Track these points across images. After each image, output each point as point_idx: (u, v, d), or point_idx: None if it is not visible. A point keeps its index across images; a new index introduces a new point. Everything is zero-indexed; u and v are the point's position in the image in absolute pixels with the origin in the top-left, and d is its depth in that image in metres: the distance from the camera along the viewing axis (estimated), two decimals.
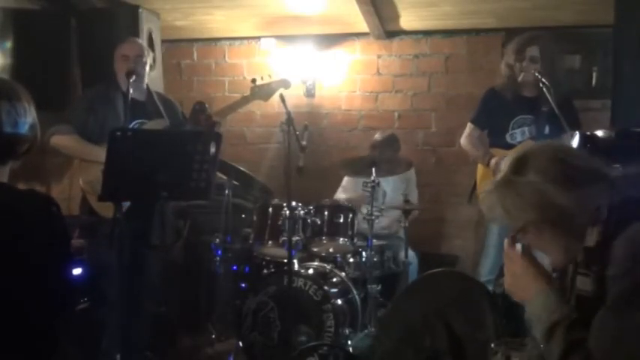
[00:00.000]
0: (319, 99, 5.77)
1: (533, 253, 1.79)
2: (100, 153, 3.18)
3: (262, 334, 3.92)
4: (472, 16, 5.15)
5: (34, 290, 1.90)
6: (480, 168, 4.17)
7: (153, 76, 4.24)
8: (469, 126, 4.21)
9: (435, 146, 5.54)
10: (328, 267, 4.18)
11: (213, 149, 3.10)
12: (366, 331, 4.02)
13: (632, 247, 1.54)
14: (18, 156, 1.96)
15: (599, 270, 1.60)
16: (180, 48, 5.99)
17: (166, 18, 5.08)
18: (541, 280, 1.71)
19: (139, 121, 3.63)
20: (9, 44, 4.45)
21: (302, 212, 4.07)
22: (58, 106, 3.99)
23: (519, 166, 1.69)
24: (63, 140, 3.58)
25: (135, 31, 4.25)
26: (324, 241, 4.19)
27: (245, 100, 3.83)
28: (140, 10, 4.39)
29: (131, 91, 3.48)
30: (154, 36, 4.51)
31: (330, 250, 4.30)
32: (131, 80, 3.51)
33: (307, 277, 3.96)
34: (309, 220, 4.11)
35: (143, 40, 4.17)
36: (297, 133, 3.75)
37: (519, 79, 3.96)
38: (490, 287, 3.92)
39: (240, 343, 3.99)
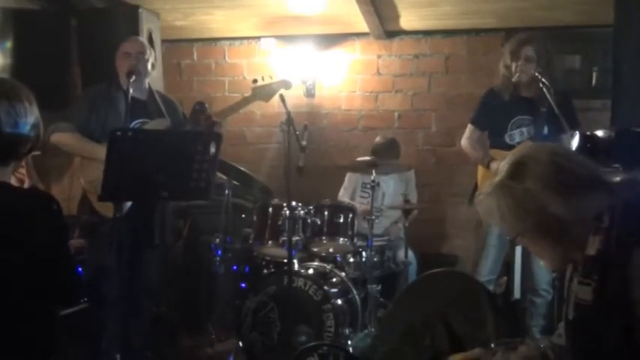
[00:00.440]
0: (319, 99, 5.77)
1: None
2: (101, 151, 3.18)
3: (262, 334, 3.92)
4: (472, 16, 5.15)
5: (34, 289, 1.90)
6: (481, 169, 4.17)
7: (153, 76, 4.23)
8: (469, 127, 4.21)
9: (435, 146, 5.54)
10: (328, 267, 4.18)
11: (213, 149, 3.10)
12: (366, 331, 4.02)
13: None
14: (20, 156, 1.97)
15: (600, 279, 1.58)
16: (180, 48, 5.99)
17: (166, 18, 5.08)
18: None
19: (140, 120, 3.62)
20: (9, 44, 4.45)
21: (302, 212, 4.07)
22: (58, 105, 3.98)
23: (517, 171, 1.67)
24: (64, 138, 3.58)
25: (135, 31, 4.25)
26: (324, 241, 4.19)
27: (246, 101, 3.83)
28: (140, 10, 4.39)
29: (131, 90, 3.48)
30: (153, 36, 4.51)
31: (330, 250, 4.30)
32: (131, 80, 3.51)
33: (307, 277, 3.96)
34: (309, 220, 4.11)
35: (144, 39, 4.17)
36: (297, 133, 3.75)
37: (514, 78, 3.96)
38: (490, 287, 3.93)
39: (240, 343, 3.99)
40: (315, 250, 4.26)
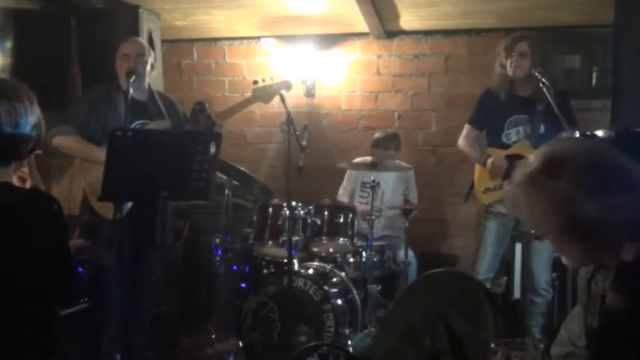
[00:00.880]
0: (319, 99, 5.77)
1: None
2: (101, 154, 3.17)
3: (262, 334, 3.92)
4: (472, 16, 5.15)
5: (35, 289, 1.90)
6: (477, 168, 4.18)
7: (153, 76, 4.23)
8: (466, 127, 4.23)
9: (435, 146, 5.54)
10: (328, 267, 4.18)
11: (213, 149, 3.10)
12: (366, 331, 4.02)
13: None
14: (22, 156, 1.97)
15: (634, 288, 1.51)
16: (180, 48, 5.99)
17: (166, 18, 5.08)
18: None
19: (141, 121, 3.62)
20: (9, 44, 4.45)
21: (302, 212, 4.07)
22: (58, 106, 3.98)
23: (552, 167, 1.55)
24: (64, 141, 3.58)
25: (135, 31, 4.25)
26: (324, 241, 4.19)
27: (246, 103, 3.84)
28: (140, 10, 4.39)
29: (131, 90, 3.48)
30: (153, 36, 4.51)
31: (330, 250, 4.30)
32: (131, 80, 3.51)
33: (307, 277, 3.96)
34: (309, 220, 4.11)
35: (143, 40, 4.17)
36: (297, 133, 3.75)
37: (510, 73, 3.97)
38: (488, 285, 3.93)
39: (240, 343, 3.99)
40: (315, 250, 4.26)
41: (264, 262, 4.38)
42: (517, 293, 4.32)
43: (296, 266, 3.98)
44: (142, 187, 3.02)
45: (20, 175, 2.07)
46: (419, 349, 2.78)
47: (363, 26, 5.38)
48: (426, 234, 5.24)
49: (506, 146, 4.06)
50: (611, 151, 1.61)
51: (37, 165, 3.23)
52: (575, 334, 1.82)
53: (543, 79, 3.83)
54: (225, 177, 4.26)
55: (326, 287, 3.92)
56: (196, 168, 3.08)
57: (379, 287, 4.18)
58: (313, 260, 4.27)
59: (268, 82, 3.73)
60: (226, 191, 4.24)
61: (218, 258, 4.23)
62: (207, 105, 3.66)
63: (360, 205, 4.68)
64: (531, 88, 3.99)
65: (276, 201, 4.19)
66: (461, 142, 4.24)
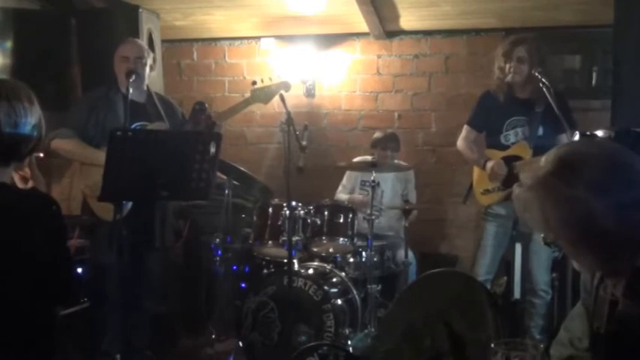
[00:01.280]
0: (319, 99, 5.77)
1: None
2: (100, 157, 3.18)
3: (262, 334, 3.92)
4: (472, 16, 5.15)
5: (34, 289, 1.90)
6: (476, 169, 4.18)
7: (153, 77, 4.23)
8: (465, 128, 4.23)
9: (435, 146, 5.54)
10: (328, 267, 4.18)
11: (213, 149, 3.10)
12: (366, 331, 4.02)
13: None
14: (21, 157, 1.96)
15: None
16: (180, 48, 5.99)
17: (166, 18, 5.08)
18: None
19: (140, 123, 3.62)
20: (9, 44, 4.44)
21: (302, 212, 4.08)
22: (58, 106, 3.99)
23: (569, 173, 1.48)
24: (64, 144, 3.58)
25: (135, 31, 4.25)
26: (324, 241, 4.19)
27: (245, 103, 3.84)
28: (140, 10, 4.39)
29: (131, 91, 3.48)
30: (153, 36, 4.51)
31: (330, 250, 4.30)
32: (131, 80, 3.50)
33: (307, 277, 3.96)
34: (309, 220, 4.11)
35: (143, 41, 4.17)
36: (297, 133, 3.75)
37: (508, 79, 3.98)
38: (487, 286, 3.92)
39: (240, 343, 3.99)
40: (315, 250, 4.26)
41: (264, 262, 4.38)
42: (517, 293, 4.32)
43: (296, 266, 3.98)
44: (142, 187, 3.02)
45: (22, 175, 2.07)
46: (419, 349, 2.78)
47: (363, 26, 5.39)
48: (425, 234, 5.25)
49: (505, 147, 4.06)
50: (626, 153, 1.54)
51: (37, 165, 3.22)
52: (575, 335, 1.81)
53: (543, 80, 3.83)
54: (225, 177, 4.26)
55: (326, 287, 3.92)
56: (196, 168, 3.08)
57: (379, 287, 4.18)
58: (313, 260, 4.27)
59: (267, 82, 3.73)
60: (226, 191, 4.25)
61: (218, 258, 4.24)
62: (207, 105, 3.66)
63: (359, 196, 4.68)
64: (530, 90, 4.00)
65: (276, 201, 4.19)
66: (460, 143, 4.24)
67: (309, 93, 5.75)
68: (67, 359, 3.53)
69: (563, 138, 3.83)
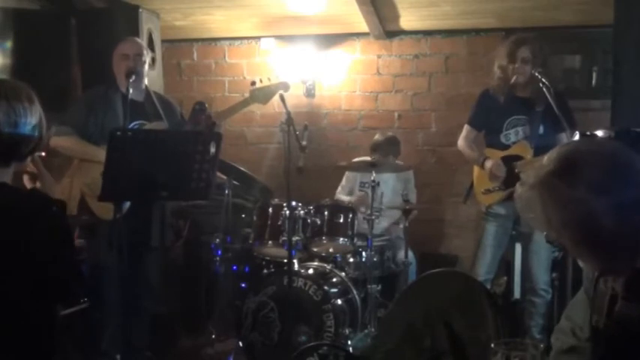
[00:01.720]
0: (319, 99, 5.77)
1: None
2: (100, 153, 3.18)
3: (262, 334, 3.92)
4: (472, 16, 5.15)
5: (34, 289, 1.90)
6: (476, 169, 4.18)
7: (153, 76, 4.24)
8: (465, 128, 4.23)
9: (435, 146, 5.54)
10: (328, 267, 4.18)
11: (213, 149, 3.10)
12: (366, 331, 4.02)
13: None
14: (22, 157, 1.96)
15: None
16: (180, 48, 5.99)
17: (166, 18, 5.08)
18: None
19: (138, 122, 3.62)
20: (9, 44, 4.44)
21: (302, 212, 4.07)
22: (58, 106, 3.98)
23: (569, 173, 1.47)
24: (63, 141, 3.58)
25: (135, 31, 4.25)
26: (324, 241, 4.19)
27: (244, 103, 3.84)
28: (140, 10, 4.39)
29: (131, 91, 3.48)
30: (153, 36, 4.51)
31: (330, 250, 4.30)
32: (131, 80, 3.51)
33: (307, 277, 3.96)
34: (309, 220, 4.11)
35: (143, 40, 4.17)
36: (297, 133, 3.75)
37: (512, 80, 3.98)
38: (487, 286, 3.92)
39: (240, 343, 3.99)
40: (315, 250, 4.26)
41: (264, 262, 4.38)
42: (517, 293, 4.32)
43: (296, 266, 3.98)
44: (142, 187, 3.02)
45: (31, 173, 2.07)
46: (419, 349, 2.78)
47: (363, 26, 5.38)
48: (425, 234, 5.25)
49: (505, 147, 4.06)
50: (627, 153, 1.53)
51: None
52: (577, 323, 1.80)
53: (543, 80, 3.83)
54: (225, 177, 4.26)
55: (326, 287, 3.92)
56: (196, 168, 3.08)
57: (379, 287, 4.18)
58: (313, 260, 4.27)
59: (266, 82, 3.73)
60: (226, 191, 4.25)
61: (218, 258, 4.24)
62: (207, 105, 3.66)
63: (359, 195, 4.68)
64: (530, 89, 4.00)
65: (276, 201, 4.19)
66: (460, 142, 4.24)
67: (309, 93, 5.74)
68: (67, 359, 3.53)
69: (563, 137, 3.83)
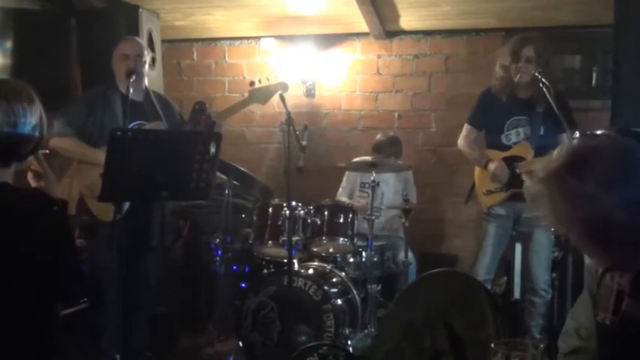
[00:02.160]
0: (319, 99, 5.77)
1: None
2: (99, 155, 3.18)
3: (262, 334, 3.92)
4: (472, 16, 5.15)
5: (34, 289, 1.90)
6: (478, 169, 4.18)
7: (153, 76, 4.24)
8: (466, 127, 4.22)
9: (435, 146, 5.54)
10: (328, 267, 4.18)
11: (213, 149, 3.10)
12: (366, 331, 4.02)
13: None
14: (22, 157, 1.96)
15: None
16: (180, 48, 5.99)
17: (166, 18, 5.08)
18: None
19: (138, 122, 3.61)
20: (9, 44, 4.44)
21: (302, 212, 4.07)
22: (58, 106, 3.98)
23: (579, 167, 1.46)
24: (62, 143, 3.57)
25: (135, 31, 4.25)
26: (324, 241, 4.19)
27: (243, 104, 3.84)
28: (140, 10, 4.39)
29: (131, 91, 3.48)
30: (153, 36, 4.51)
31: (330, 250, 4.30)
32: (131, 80, 3.50)
33: (307, 277, 3.96)
34: (309, 220, 4.11)
35: (143, 40, 4.17)
36: (297, 133, 3.75)
37: (516, 79, 3.96)
38: (487, 286, 3.92)
39: (240, 343, 3.99)
40: (315, 250, 4.26)
41: (264, 262, 4.38)
42: (517, 293, 4.32)
43: (296, 266, 3.98)
44: (142, 187, 3.02)
45: (35, 171, 2.07)
46: (419, 349, 2.78)
47: (363, 26, 5.38)
48: (426, 234, 5.25)
49: (506, 147, 4.06)
50: (637, 149, 1.52)
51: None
52: (581, 323, 1.80)
53: (544, 80, 3.83)
54: (225, 177, 4.26)
55: (326, 287, 3.92)
56: (196, 168, 3.08)
57: (379, 287, 4.18)
58: (313, 260, 4.27)
59: (265, 83, 3.73)
60: (226, 191, 4.25)
61: (218, 258, 4.24)
62: (207, 105, 3.65)
63: (360, 201, 4.68)
64: (531, 90, 3.99)
65: (276, 201, 4.19)
66: (460, 142, 4.24)
67: (309, 93, 5.74)
68: (67, 359, 3.53)
69: (564, 138, 3.83)
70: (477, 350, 2.50)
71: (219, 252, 4.23)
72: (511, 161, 3.99)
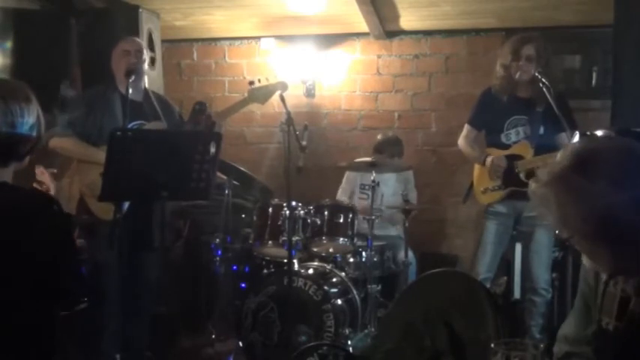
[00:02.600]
0: (319, 99, 5.77)
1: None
2: (99, 155, 3.18)
3: (262, 334, 3.92)
4: (472, 16, 5.15)
5: (34, 289, 1.90)
6: (477, 168, 4.19)
7: (153, 76, 4.24)
8: (466, 127, 4.23)
9: (435, 146, 5.54)
10: (328, 267, 4.18)
11: (213, 149, 3.10)
12: (366, 331, 4.02)
13: None
14: (20, 156, 1.96)
15: None
16: (180, 48, 5.99)
17: (166, 18, 5.08)
18: None
19: (137, 122, 3.61)
20: (9, 44, 4.44)
21: (302, 212, 4.08)
22: (57, 106, 3.99)
23: (588, 167, 1.45)
24: (62, 142, 3.57)
25: (135, 31, 4.25)
26: (324, 241, 4.19)
27: (243, 103, 3.83)
28: (140, 10, 4.39)
29: (130, 91, 3.47)
30: (153, 36, 4.51)
31: (330, 250, 4.30)
32: (130, 80, 3.50)
33: (307, 277, 3.96)
34: (309, 220, 4.11)
35: (143, 41, 4.17)
36: (297, 133, 3.75)
37: (516, 77, 3.97)
38: (487, 285, 3.93)
39: (240, 343, 3.99)
40: (315, 250, 4.26)
41: (264, 262, 4.38)
42: (517, 293, 4.32)
43: (296, 266, 3.98)
44: (142, 187, 3.02)
45: (40, 181, 2.07)
46: (419, 349, 2.78)
47: (363, 26, 5.39)
48: (426, 234, 5.25)
49: (506, 147, 4.07)
50: None
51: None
52: (569, 333, 1.81)
53: (544, 80, 3.83)
54: (225, 177, 4.26)
55: (326, 287, 3.92)
56: (196, 168, 3.08)
57: (379, 287, 4.18)
58: (313, 260, 4.27)
59: (264, 82, 3.72)
60: (226, 191, 4.25)
61: (218, 258, 4.24)
62: (207, 105, 3.65)
63: (361, 202, 4.68)
64: (531, 89, 4.00)
65: (276, 201, 4.19)
66: (460, 141, 4.25)
67: (309, 93, 5.74)
68: (66, 359, 3.53)
69: (564, 138, 3.83)
70: (476, 350, 2.50)
71: (219, 252, 4.24)
72: (511, 160, 3.99)
